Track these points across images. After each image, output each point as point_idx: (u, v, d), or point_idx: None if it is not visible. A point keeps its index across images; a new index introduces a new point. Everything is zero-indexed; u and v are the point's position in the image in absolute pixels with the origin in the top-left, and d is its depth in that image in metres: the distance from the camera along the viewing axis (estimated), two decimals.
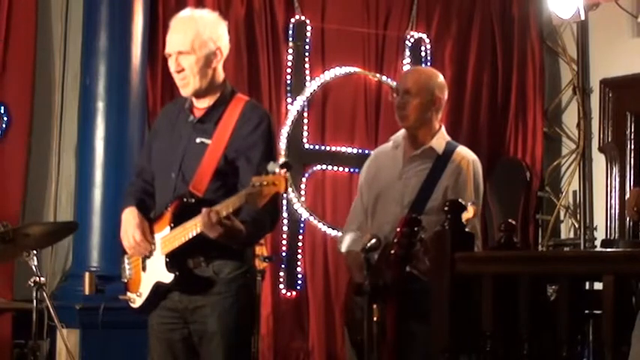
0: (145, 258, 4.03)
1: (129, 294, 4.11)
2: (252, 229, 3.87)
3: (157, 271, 3.95)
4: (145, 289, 4.01)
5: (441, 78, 4.91)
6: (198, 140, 4.01)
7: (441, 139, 4.86)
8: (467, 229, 4.06)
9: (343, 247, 4.93)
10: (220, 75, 4.06)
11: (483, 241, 5.93)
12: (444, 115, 7.56)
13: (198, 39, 3.98)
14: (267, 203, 3.63)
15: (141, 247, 3.98)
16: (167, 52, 4.04)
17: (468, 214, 4.48)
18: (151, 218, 4.03)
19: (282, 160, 3.69)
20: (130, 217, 4.02)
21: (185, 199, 3.92)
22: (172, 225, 3.90)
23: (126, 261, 4.13)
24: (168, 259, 3.91)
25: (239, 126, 3.99)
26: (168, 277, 3.91)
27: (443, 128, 4.91)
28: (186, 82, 4.00)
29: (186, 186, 3.96)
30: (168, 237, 3.91)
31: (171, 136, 4.10)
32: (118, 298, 4.30)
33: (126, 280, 4.14)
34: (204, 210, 3.74)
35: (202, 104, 4.06)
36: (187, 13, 4.11)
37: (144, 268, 4.03)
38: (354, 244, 4.81)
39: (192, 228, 3.81)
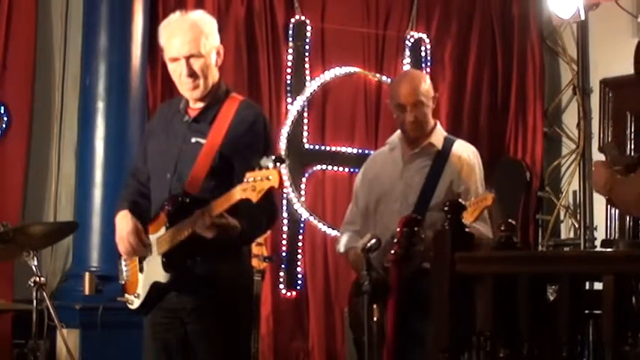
0: (141, 259, 4.02)
1: (127, 295, 4.11)
2: (249, 226, 3.85)
3: (154, 272, 3.94)
4: (143, 290, 4.01)
5: (427, 77, 4.99)
6: (193, 140, 3.99)
7: (438, 135, 4.87)
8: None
9: (341, 248, 4.94)
10: (217, 75, 4.06)
11: None
12: (444, 115, 7.55)
13: (205, 42, 3.97)
14: (263, 201, 3.61)
15: (137, 251, 3.97)
16: (173, 56, 3.99)
17: (486, 202, 4.52)
18: (146, 219, 4.02)
19: (275, 155, 3.66)
20: (123, 223, 4.01)
21: (180, 199, 3.91)
22: (167, 225, 3.90)
23: (123, 263, 4.13)
24: (164, 259, 3.90)
25: (234, 125, 3.98)
26: (165, 277, 3.90)
27: (438, 123, 4.92)
28: (197, 85, 3.98)
29: (181, 186, 3.95)
30: (163, 237, 3.91)
31: (167, 137, 4.09)
32: (117, 298, 4.31)
33: (123, 282, 4.14)
34: (197, 212, 3.74)
35: (198, 104, 4.05)
36: (183, 15, 4.04)
37: (141, 270, 4.03)
38: (351, 243, 4.82)
39: (188, 227, 3.81)
